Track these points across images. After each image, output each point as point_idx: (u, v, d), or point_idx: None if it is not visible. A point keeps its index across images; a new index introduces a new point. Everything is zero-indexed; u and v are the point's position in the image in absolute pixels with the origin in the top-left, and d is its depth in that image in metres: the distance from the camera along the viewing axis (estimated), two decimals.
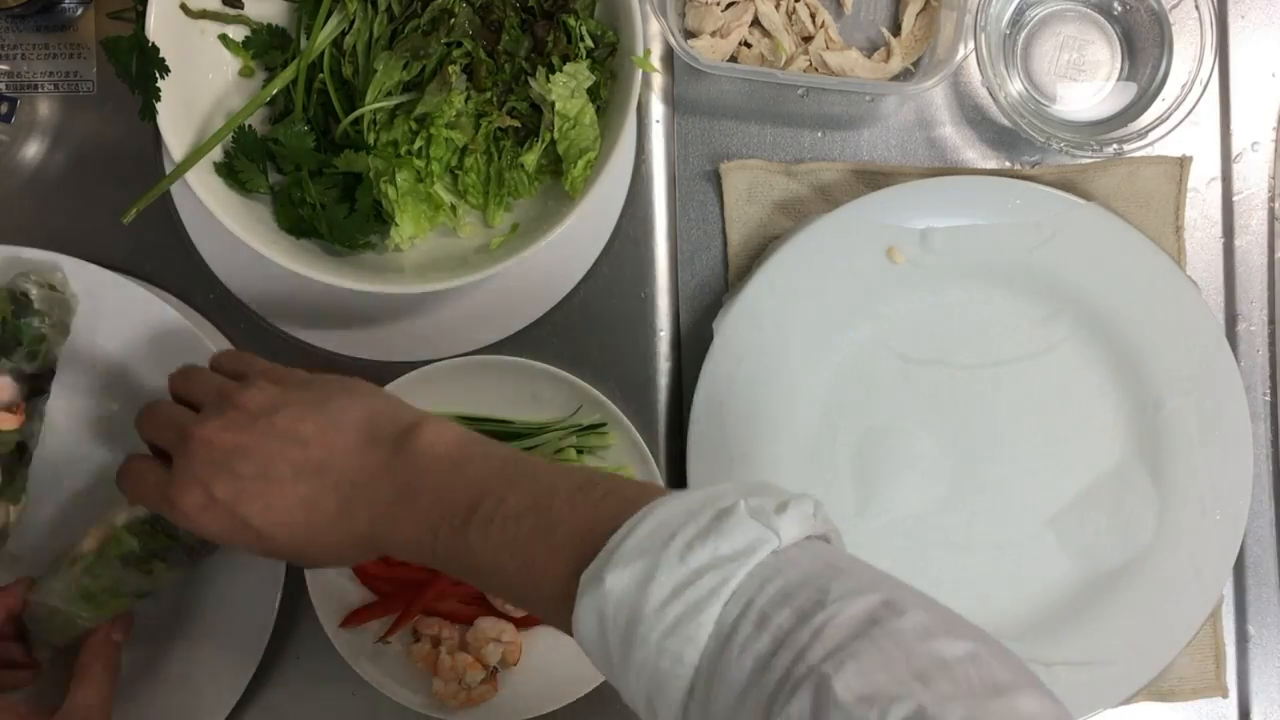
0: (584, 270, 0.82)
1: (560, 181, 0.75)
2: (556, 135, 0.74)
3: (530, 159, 0.76)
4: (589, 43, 0.75)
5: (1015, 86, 0.81)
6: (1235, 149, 0.83)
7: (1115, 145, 0.78)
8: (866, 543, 0.79)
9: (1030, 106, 0.80)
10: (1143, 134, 0.78)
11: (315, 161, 0.76)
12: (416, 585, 0.80)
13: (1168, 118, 0.78)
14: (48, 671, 0.74)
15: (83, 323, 0.77)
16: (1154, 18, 0.81)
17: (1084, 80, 0.82)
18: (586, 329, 0.82)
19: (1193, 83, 0.78)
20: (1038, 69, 0.82)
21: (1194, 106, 0.78)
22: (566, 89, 0.73)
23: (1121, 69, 0.82)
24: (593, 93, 0.75)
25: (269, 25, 0.78)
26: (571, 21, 0.74)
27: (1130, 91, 0.82)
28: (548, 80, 0.74)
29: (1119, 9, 0.82)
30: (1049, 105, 0.82)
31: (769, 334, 0.78)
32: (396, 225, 0.76)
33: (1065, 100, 0.82)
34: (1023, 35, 0.82)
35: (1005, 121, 0.80)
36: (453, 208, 0.78)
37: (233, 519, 0.62)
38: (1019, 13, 0.82)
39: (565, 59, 0.74)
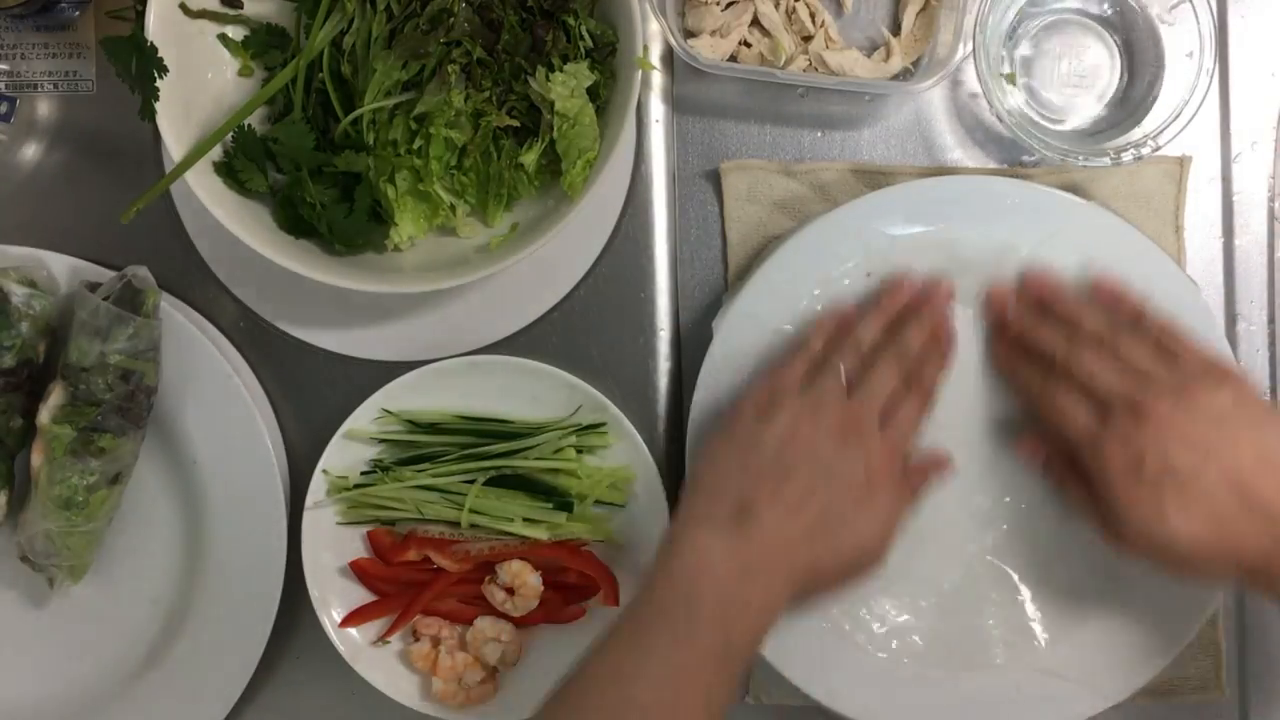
0: (584, 270, 0.82)
1: (560, 181, 0.75)
2: (556, 135, 0.74)
3: (530, 159, 0.76)
4: (589, 42, 0.75)
5: (1015, 99, 0.80)
6: (1235, 149, 0.83)
7: (1133, 151, 0.77)
8: None
9: (1030, 118, 0.80)
10: (1153, 137, 0.78)
11: (315, 161, 0.76)
12: (416, 585, 0.80)
13: (1172, 122, 0.78)
14: None
15: None
16: (1151, 22, 0.81)
17: (1084, 88, 0.82)
18: (586, 329, 0.82)
19: (1194, 85, 0.78)
20: (1037, 80, 0.82)
21: (1197, 109, 0.77)
22: (566, 88, 0.73)
23: (1121, 75, 0.82)
24: (592, 93, 0.75)
25: (268, 25, 0.78)
26: (571, 21, 0.74)
27: (1131, 96, 0.82)
28: (547, 80, 0.74)
29: (1116, 16, 0.82)
30: (1049, 115, 0.82)
31: (769, 334, 0.78)
32: (396, 225, 0.76)
33: (1065, 109, 0.82)
34: (1020, 48, 0.82)
35: (1007, 134, 0.80)
36: (452, 208, 0.78)
37: (1149, 493, 0.66)
38: (1015, 26, 0.81)
39: (565, 59, 0.74)
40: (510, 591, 0.79)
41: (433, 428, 0.80)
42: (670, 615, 0.64)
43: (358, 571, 0.80)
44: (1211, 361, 0.71)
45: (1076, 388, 0.71)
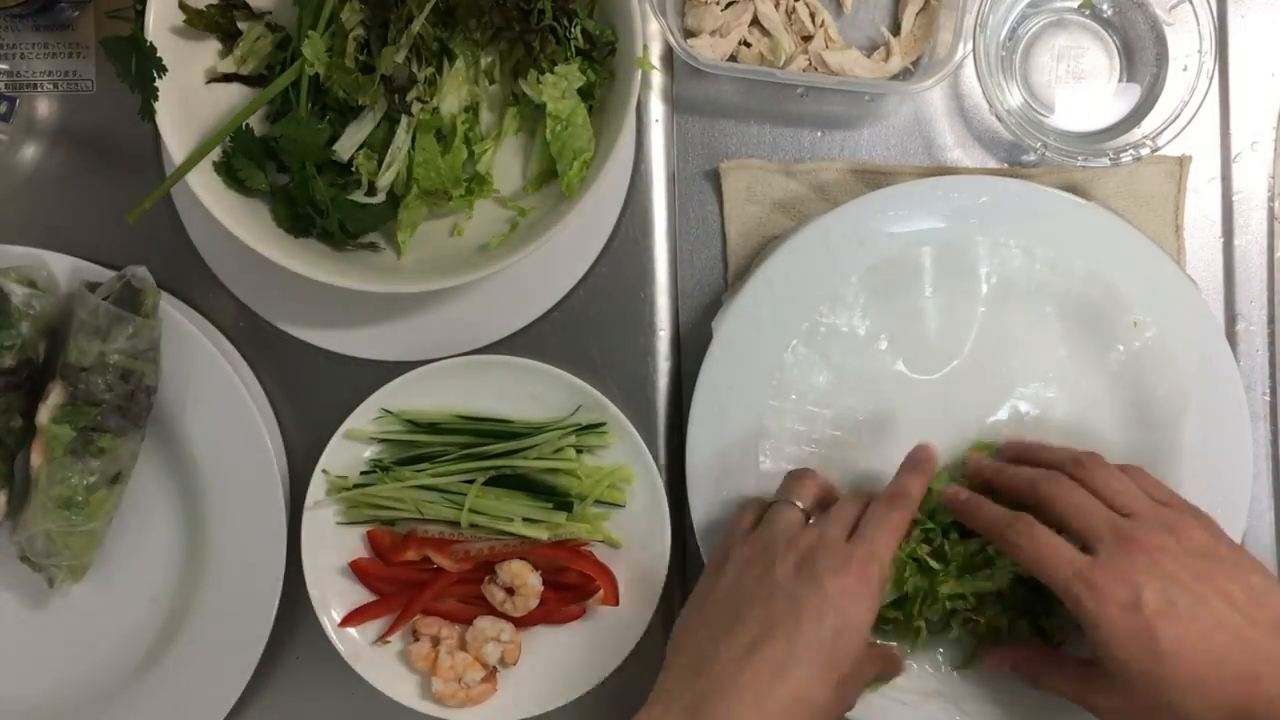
0: (584, 270, 0.82)
1: (558, 181, 0.75)
2: (549, 137, 0.74)
3: (534, 169, 0.77)
4: (581, 43, 0.75)
5: (1015, 100, 0.80)
6: (1235, 149, 0.83)
7: (1132, 151, 0.77)
8: None
9: (1030, 118, 0.80)
10: (1152, 138, 0.78)
11: (322, 157, 0.76)
12: (416, 585, 0.80)
13: (1172, 122, 0.78)
14: None
15: None
16: (1151, 22, 0.81)
17: (1084, 89, 0.82)
18: (586, 329, 0.82)
19: (1194, 85, 0.78)
20: (1036, 80, 0.82)
21: (1197, 110, 0.77)
22: (557, 90, 0.74)
23: (1121, 76, 0.82)
24: (585, 93, 0.75)
25: (268, 24, 0.78)
26: (561, 24, 0.74)
27: (1131, 98, 0.82)
28: (538, 83, 0.74)
29: (1116, 16, 0.82)
30: (1049, 116, 0.82)
31: (768, 333, 0.78)
32: (406, 206, 0.76)
33: (1065, 110, 0.82)
34: (1020, 48, 0.82)
35: (1007, 135, 0.80)
36: (446, 195, 0.77)
37: (1144, 629, 0.63)
38: (1015, 26, 0.81)
39: (554, 62, 0.74)
40: (510, 591, 0.79)
41: (432, 428, 0.80)
42: None
43: (358, 571, 0.80)
44: (1184, 499, 0.70)
45: (1054, 526, 0.67)
